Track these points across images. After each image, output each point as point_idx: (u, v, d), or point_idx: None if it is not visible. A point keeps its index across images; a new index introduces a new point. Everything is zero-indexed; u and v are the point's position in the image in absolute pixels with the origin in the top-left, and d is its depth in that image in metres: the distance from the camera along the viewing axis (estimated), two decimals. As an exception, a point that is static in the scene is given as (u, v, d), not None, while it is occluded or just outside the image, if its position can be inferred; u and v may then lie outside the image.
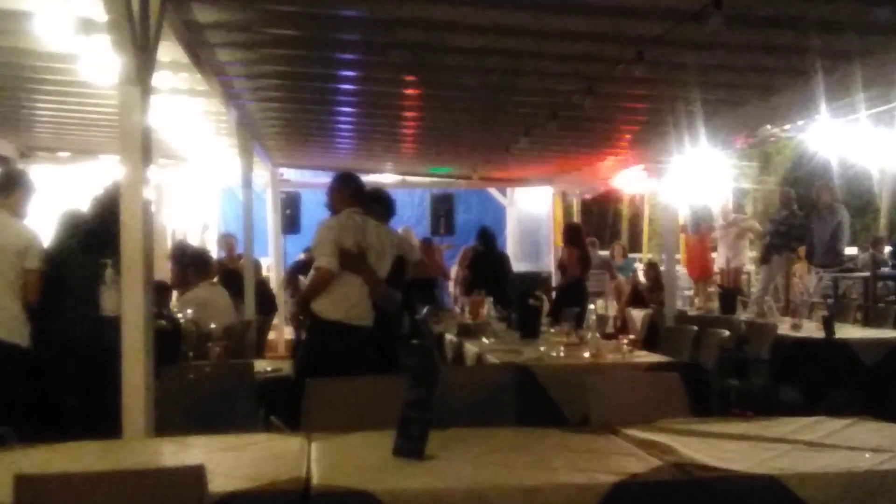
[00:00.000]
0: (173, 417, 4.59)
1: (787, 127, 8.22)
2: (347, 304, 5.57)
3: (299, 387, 4.09)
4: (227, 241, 11.72)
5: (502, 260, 11.73)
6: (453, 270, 14.75)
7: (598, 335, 6.59)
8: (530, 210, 15.96)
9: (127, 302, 4.23)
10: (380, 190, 7.15)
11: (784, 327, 7.99)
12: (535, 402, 5.31)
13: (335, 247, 5.51)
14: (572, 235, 11.12)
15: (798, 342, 7.49)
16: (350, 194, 5.83)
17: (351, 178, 6.02)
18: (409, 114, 9.50)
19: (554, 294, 11.34)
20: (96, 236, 5.57)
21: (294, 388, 4.56)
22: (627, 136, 9.75)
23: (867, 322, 9.05)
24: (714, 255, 13.94)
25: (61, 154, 12.63)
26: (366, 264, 5.65)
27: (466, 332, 7.53)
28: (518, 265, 13.78)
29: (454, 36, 6.23)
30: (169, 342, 5.86)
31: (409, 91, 8.33)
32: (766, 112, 7.60)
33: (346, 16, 5.89)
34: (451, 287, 14.05)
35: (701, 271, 13.30)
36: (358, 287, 5.60)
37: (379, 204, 6.60)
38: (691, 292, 13.43)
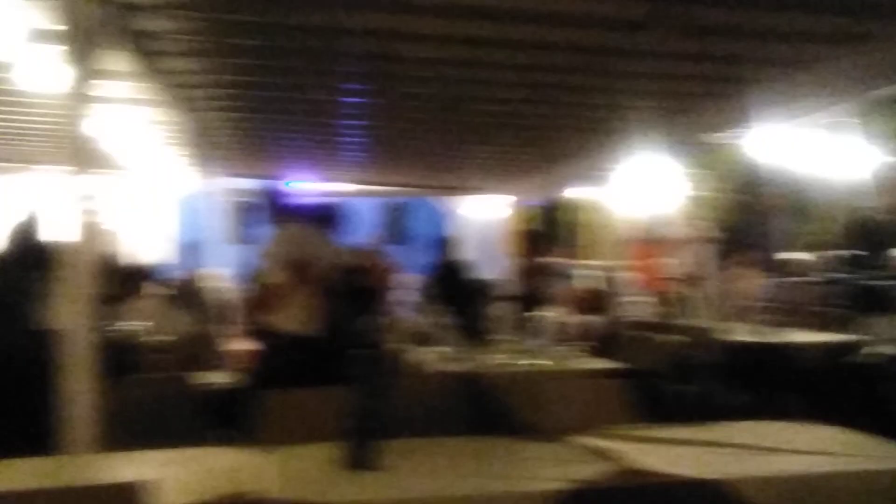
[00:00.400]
0: (120, 432, 4.53)
1: (732, 134, 8.32)
2: (300, 315, 5.57)
3: (254, 399, 4.07)
4: (191, 251, 11.54)
5: (460, 268, 11.70)
6: (409, 280, 14.70)
7: (550, 342, 6.63)
8: (483, 218, 16.00)
9: (70, 315, 4.17)
10: (330, 203, 7.16)
11: (733, 332, 8.10)
12: (487, 410, 5.30)
13: (281, 263, 5.52)
14: (531, 243, 11.15)
15: (745, 346, 7.60)
16: (287, 206, 5.87)
17: (284, 191, 6.07)
18: (362, 123, 9.47)
19: (510, 302, 11.33)
20: (29, 248, 5.50)
21: (249, 401, 4.52)
22: (578, 145, 9.81)
23: (813, 326, 9.20)
24: (670, 261, 14.06)
25: (5, 164, 12.39)
26: (315, 275, 5.65)
27: (418, 340, 7.52)
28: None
29: (401, 45, 6.23)
30: (116, 355, 5.77)
31: (362, 100, 8.31)
32: (713, 119, 7.70)
33: (297, 25, 5.86)
34: (409, 295, 14.03)
35: (654, 279, 13.40)
36: (309, 298, 5.60)
37: (328, 216, 6.61)
38: (644, 299, 13.53)
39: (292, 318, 5.60)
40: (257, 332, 5.88)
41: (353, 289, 6.55)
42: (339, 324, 6.16)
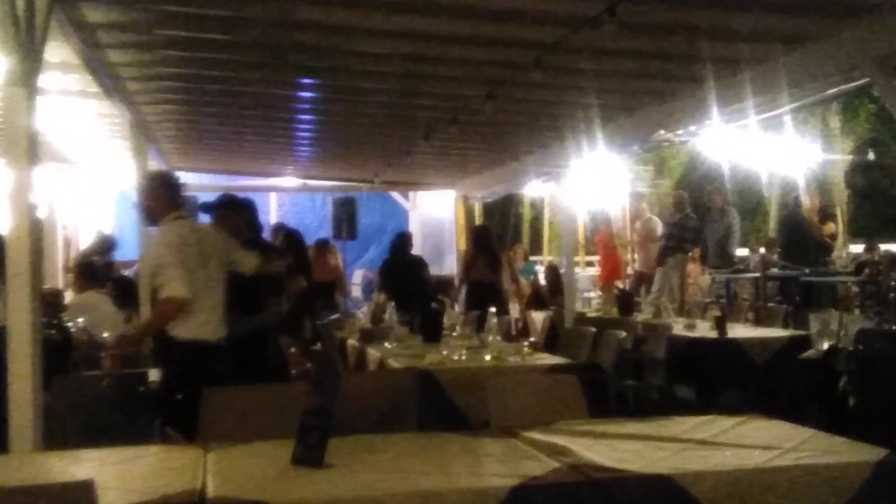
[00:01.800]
0: (64, 430, 4.45)
1: (680, 132, 8.43)
2: (199, 321, 5.12)
3: (197, 397, 3.96)
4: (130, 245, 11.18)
5: (414, 265, 11.55)
6: (359, 275, 14.66)
7: (499, 338, 6.64)
8: (432, 213, 16.01)
9: (13, 311, 4.08)
10: (238, 197, 6.44)
11: (679, 328, 8.19)
12: (437, 407, 5.31)
13: (184, 269, 4.97)
14: (479, 239, 11.01)
15: (692, 342, 7.67)
16: (172, 196, 5.25)
17: (170, 177, 5.47)
18: (309, 117, 9.42)
19: (459, 297, 11.30)
20: None
21: (192, 399, 4.38)
22: (530, 141, 9.86)
23: (758, 322, 9.34)
24: (619, 257, 14.23)
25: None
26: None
27: (369, 336, 7.49)
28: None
29: (354, 39, 6.20)
30: (59, 352, 5.66)
31: (309, 94, 8.26)
32: (661, 117, 7.78)
33: (243, 17, 5.80)
34: (359, 291, 14.00)
35: (603, 275, 13.53)
36: (208, 303, 5.17)
37: (243, 211, 6.17)
38: (591, 294, 13.66)
39: (195, 325, 5.05)
40: (162, 342, 5.21)
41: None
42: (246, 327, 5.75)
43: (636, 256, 13.77)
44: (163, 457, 3.30)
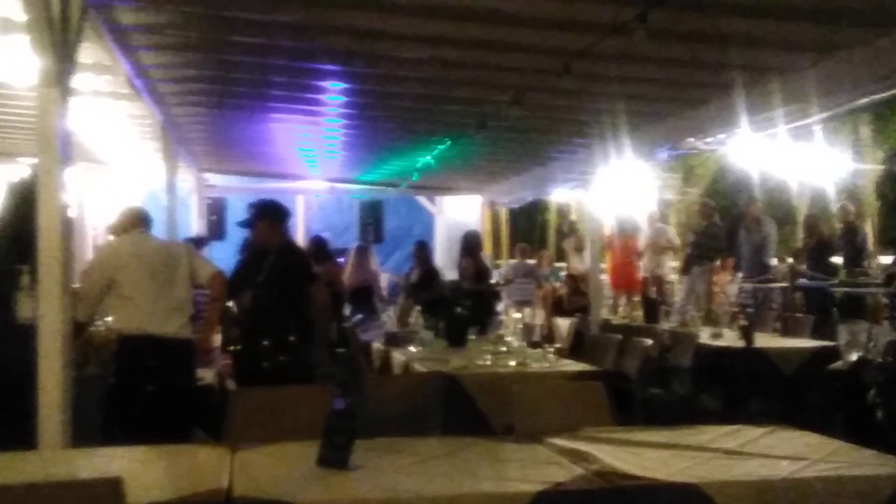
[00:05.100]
0: (93, 428, 4.49)
1: (709, 140, 8.37)
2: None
3: (225, 397, 4.00)
4: None
5: (436, 270, 11.57)
6: (384, 278, 14.67)
7: (524, 343, 6.63)
8: (459, 218, 16.01)
9: (44, 309, 4.13)
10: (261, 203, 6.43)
11: (705, 336, 8.13)
12: (462, 411, 5.30)
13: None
14: (466, 246, 10.93)
15: (718, 351, 7.62)
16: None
17: None
18: (337, 121, 9.45)
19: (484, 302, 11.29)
20: (12, 240, 5.38)
21: (220, 399, 4.43)
22: (557, 147, 9.84)
23: (785, 332, 9.26)
24: (645, 264, 14.13)
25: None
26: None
27: (394, 340, 7.51)
28: (446, 273, 13.77)
29: (382, 44, 6.22)
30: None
31: (338, 98, 8.29)
32: (689, 125, 7.74)
33: (275, 21, 5.84)
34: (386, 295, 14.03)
35: (625, 281, 13.43)
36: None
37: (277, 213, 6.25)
38: (618, 301, 13.56)
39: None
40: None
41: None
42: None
43: (654, 264, 13.66)
44: (190, 456, 3.32)
